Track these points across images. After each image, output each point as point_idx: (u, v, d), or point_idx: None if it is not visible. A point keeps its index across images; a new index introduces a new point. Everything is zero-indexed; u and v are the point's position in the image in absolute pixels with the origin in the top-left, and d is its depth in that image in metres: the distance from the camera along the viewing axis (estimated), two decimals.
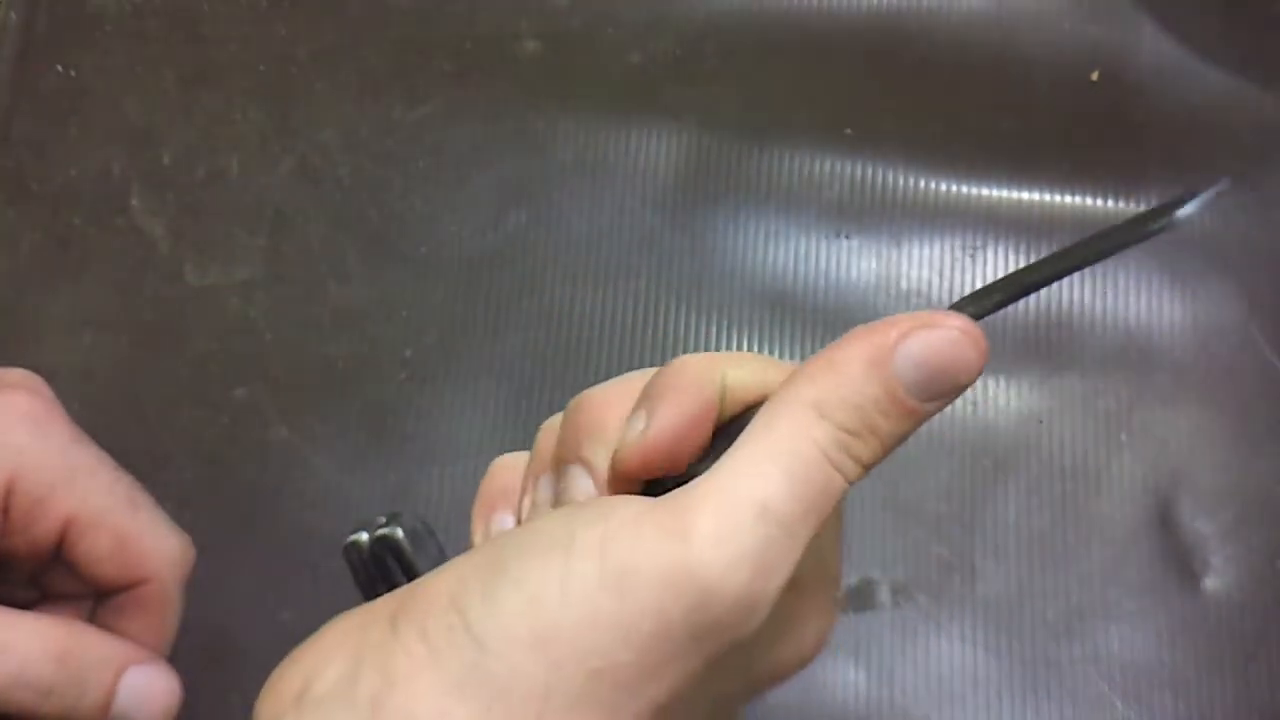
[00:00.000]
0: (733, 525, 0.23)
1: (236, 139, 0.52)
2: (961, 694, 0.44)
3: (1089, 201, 0.51)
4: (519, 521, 0.30)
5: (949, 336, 0.25)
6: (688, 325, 0.49)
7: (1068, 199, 0.51)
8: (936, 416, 0.50)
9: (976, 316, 0.26)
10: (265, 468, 0.48)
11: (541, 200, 0.51)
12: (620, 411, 0.27)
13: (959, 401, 0.48)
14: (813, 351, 0.36)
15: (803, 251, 0.50)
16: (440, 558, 0.33)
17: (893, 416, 0.25)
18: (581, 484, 0.27)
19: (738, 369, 0.27)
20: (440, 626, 0.23)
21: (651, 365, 0.29)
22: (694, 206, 0.51)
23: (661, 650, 0.22)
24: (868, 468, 0.25)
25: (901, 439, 0.25)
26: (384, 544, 0.32)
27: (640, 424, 0.26)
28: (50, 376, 0.38)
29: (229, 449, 0.48)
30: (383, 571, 0.32)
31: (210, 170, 0.52)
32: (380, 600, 0.26)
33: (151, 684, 0.33)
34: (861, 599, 0.46)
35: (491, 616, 0.23)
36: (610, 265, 0.50)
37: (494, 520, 0.31)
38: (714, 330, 0.49)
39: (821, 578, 0.27)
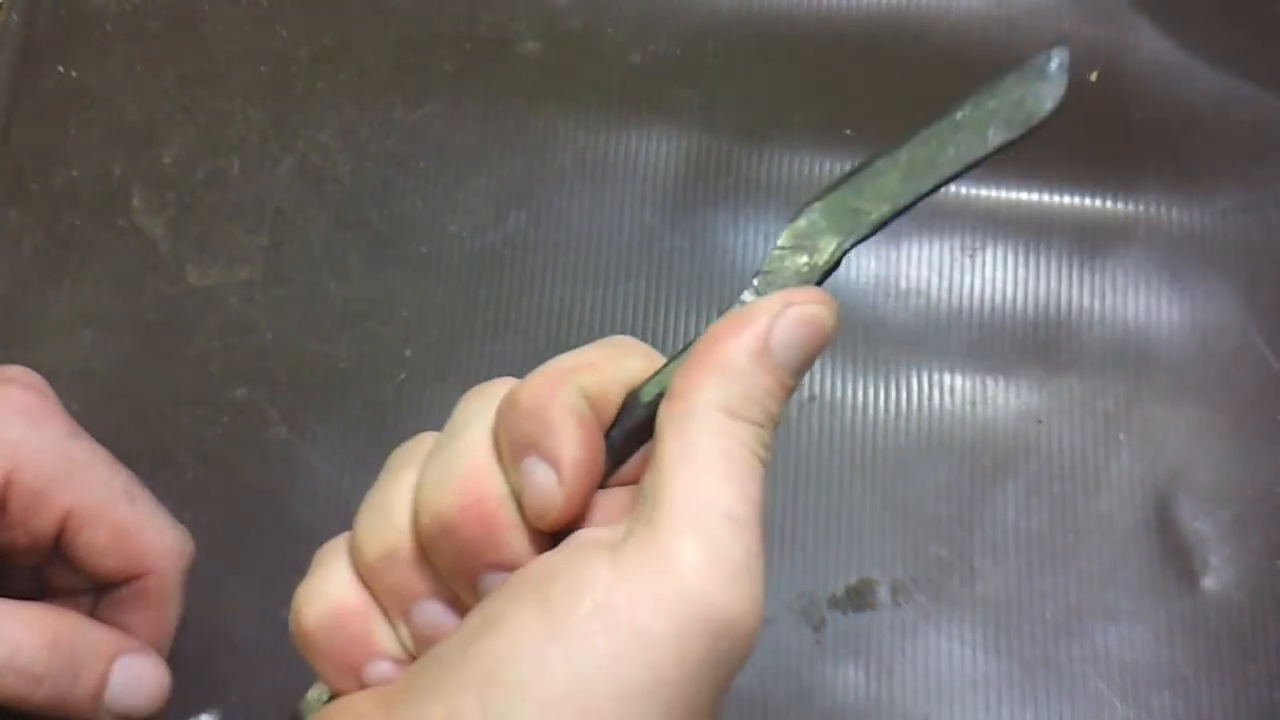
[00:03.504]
0: (715, 544, 0.23)
1: (237, 139, 0.52)
2: (961, 694, 0.44)
3: (1088, 201, 0.51)
4: (416, 654, 0.27)
5: (816, 311, 0.26)
6: (688, 325, 0.49)
7: (1067, 199, 0.51)
8: (937, 417, 0.51)
9: (831, 266, 0.27)
10: (265, 468, 0.48)
11: (541, 200, 0.51)
12: (560, 398, 0.26)
13: (959, 401, 0.49)
14: None
15: None
16: None
17: (777, 398, 0.25)
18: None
19: (590, 375, 0.27)
20: None
21: None
22: (694, 206, 0.51)
23: (690, 692, 0.22)
24: (770, 451, 0.25)
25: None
26: None
27: (543, 474, 0.25)
28: (50, 376, 0.38)
29: (229, 449, 0.48)
30: None
31: (210, 170, 0.52)
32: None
33: (142, 672, 0.34)
34: (861, 599, 0.46)
35: None
36: (610, 265, 0.50)
37: (368, 673, 0.27)
38: None
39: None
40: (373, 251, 0.51)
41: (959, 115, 0.26)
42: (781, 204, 0.51)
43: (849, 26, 0.54)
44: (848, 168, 0.27)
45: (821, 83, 0.53)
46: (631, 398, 0.27)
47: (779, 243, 0.27)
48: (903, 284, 0.50)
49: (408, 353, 0.49)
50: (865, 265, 0.50)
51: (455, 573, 0.26)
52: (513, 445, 0.26)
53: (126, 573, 0.35)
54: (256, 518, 0.47)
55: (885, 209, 0.26)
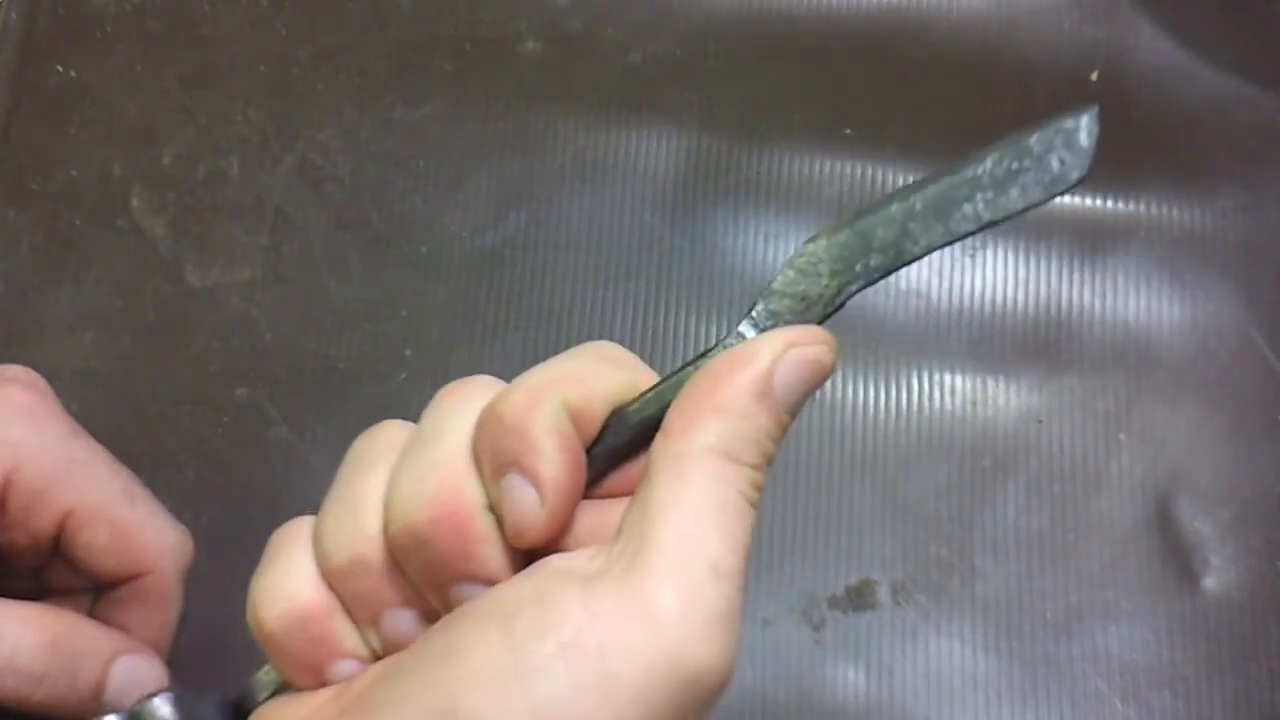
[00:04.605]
0: (696, 595, 0.22)
1: (237, 139, 0.52)
2: (961, 693, 0.44)
3: (1088, 202, 0.51)
4: (381, 654, 0.26)
5: (819, 352, 0.25)
6: (688, 325, 0.49)
7: (1067, 199, 0.51)
8: (937, 417, 0.51)
9: (830, 309, 0.26)
10: (265, 468, 0.48)
11: (541, 200, 0.51)
12: (543, 414, 0.25)
13: (959, 401, 0.49)
14: None
15: None
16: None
17: (774, 438, 0.25)
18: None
19: (574, 389, 0.26)
20: None
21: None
22: (694, 207, 0.51)
23: None
24: (761, 492, 0.25)
25: None
26: None
27: (524, 492, 0.25)
28: (50, 376, 0.38)
29: (229, 449, 0.48)
30: None
31: (210, 170, 0.52)
32: None
33: (140, 673, 0.34)
34: (861, 599, 0.46)
35: None
36: (610, 265, 0.50)
37: (331, 673, 0.26)
38: (714, 330, 0.49)
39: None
40: (373, 251, 0.51)
41: (979, 171, 0.25)
42: (781, 204, 0.51)
43: (849, 26, 0.54)
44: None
45: (821, 83, 0.53)
46: (617, 416, 0.27)
47: (781, 275, 0.26)
48: (903, 284, 0.50)
49: (408, 353, 0.49)
50: None
51: (425, 581, 0.26)
52: (494, 460, 0.25)
53: (126, 572, 0.35)
54: (256, 518, 0.47)
55: (891, 258, 0.26)
